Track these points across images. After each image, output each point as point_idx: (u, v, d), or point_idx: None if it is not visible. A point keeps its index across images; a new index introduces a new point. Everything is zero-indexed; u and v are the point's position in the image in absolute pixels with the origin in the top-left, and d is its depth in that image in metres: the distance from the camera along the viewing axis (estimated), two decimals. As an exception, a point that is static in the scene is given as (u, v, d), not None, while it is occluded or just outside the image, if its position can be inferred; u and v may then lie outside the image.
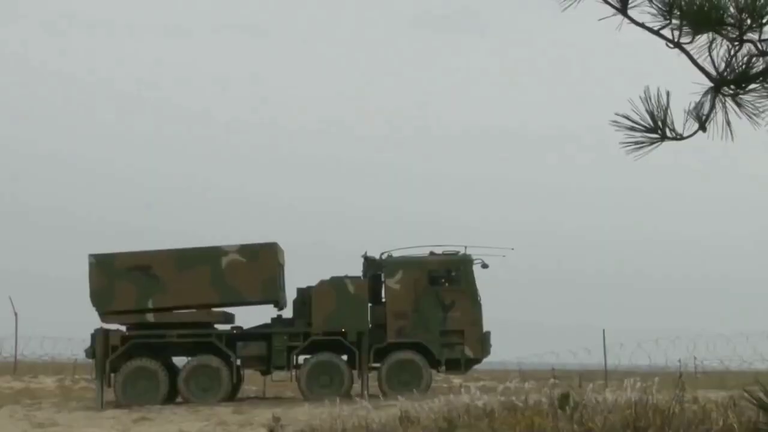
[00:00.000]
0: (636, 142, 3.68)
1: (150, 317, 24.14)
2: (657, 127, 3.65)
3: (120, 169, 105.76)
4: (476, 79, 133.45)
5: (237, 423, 19.04)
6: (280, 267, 24.52)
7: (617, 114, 3.65)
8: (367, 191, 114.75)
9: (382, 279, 24.65)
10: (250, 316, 25.66)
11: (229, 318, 25.16)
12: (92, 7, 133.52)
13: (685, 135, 3.71)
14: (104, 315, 23.94)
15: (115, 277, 23.81)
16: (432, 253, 24.72)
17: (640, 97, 3.64)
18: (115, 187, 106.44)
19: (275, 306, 24.86)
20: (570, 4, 3.57)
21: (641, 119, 3.65)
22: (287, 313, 24.66)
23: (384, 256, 24.79)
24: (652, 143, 3.68)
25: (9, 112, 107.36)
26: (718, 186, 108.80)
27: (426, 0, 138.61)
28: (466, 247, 24.61)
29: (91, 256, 24.03)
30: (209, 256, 24.04)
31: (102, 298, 23.81)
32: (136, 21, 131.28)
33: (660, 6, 3.57)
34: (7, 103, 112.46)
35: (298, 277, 26.21)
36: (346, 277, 24.50)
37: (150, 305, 23.85)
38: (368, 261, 24.99)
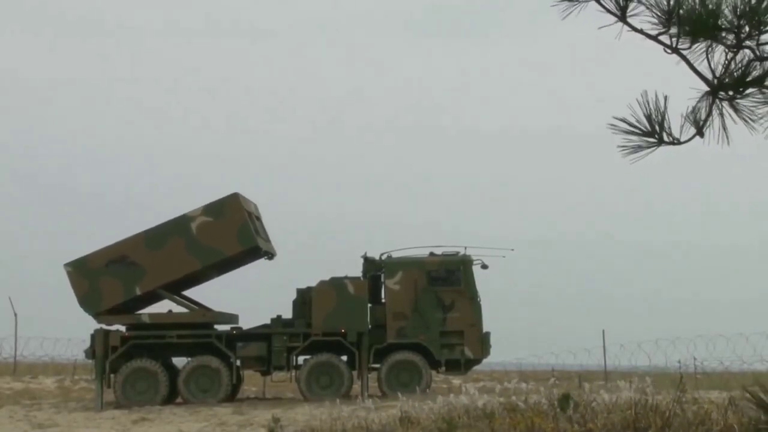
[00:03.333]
0: (633, 146, 3.68)
1: (147, 318, 24.22)
2: (654, 132, 3.65)
3: (119, 170, 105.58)
4: (477, 81, 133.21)
5: (237, 424, 19.04)
6: (251, 215, 24.45)
7: (615, 117, 3.66)
8: (367, 194, 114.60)
9: (382, 279, 24.67)
10: (251, 317, 25.72)
11: (232, 318, 25.19)
12: (91, 8, 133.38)
13: (682, 140, 3.71)
14: (98, 316, 23.94)
15: (95, 277, 23.80)
16: (432, 254, 24.74)
17: (638, 101, 3.65)
18: (113, 188, 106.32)
19: (261, 255, 24.87)
20: (569, 13, 3.58)
21: (639, 123, 3.65)
22: (287, 313, 24.68)
23: (384, 257, 24.82)
24: (649, 147, 3.68)
25: (8, 113, 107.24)
26: (718, 188, 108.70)
27: (426, 1, 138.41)
28: (465, 248, 24.67)
29: (66, 265, 24.00)
30: (177, 226, 24.00)
31: (90, 301, 23.81)
32: (135, 20, 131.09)
33: (659, 14, 3.58)
34: (6, 105, 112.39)
35: (298, 277, 26.26)
36: (346, 277, 24.52)
37: (138, 292, 23.87)
38: (368, 261, 25.01)
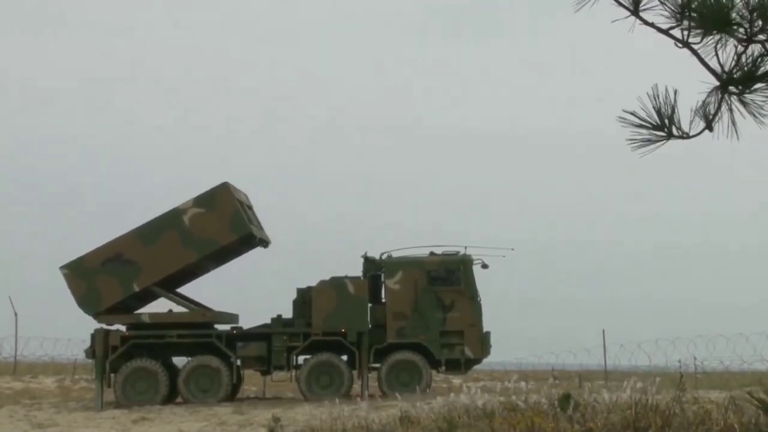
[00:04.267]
0: (643, 140, 3.67)
1: (147, 317, 24.19)
2: (663, 125, 3.64)
3: (119, 170, 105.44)
4: (477, 81, 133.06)
5: (237, 423, 19.02)
6: (242, 204, 24.45)
7: (625, 111, 3.64)
8: (367, 195, 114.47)
9: (382, 279, 24.66)
10: (251, 317, 25.70)
11: (232, 318, 25.16)
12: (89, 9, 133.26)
13: (691, 134, 3.70)
14: (98, 316, 23.91)
15: (92, 277, 23.77)
16: (432, 254, 24.73)
17: (648, 95, 3.63)
18: (113, 188, 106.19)
19: (256, 243, 24.89)
20: (583, 5, 3.57)
21: (648, 117, 3.64)
22: (287, 313, 24.67)
23: (384, 257, 24.81)
24: (659, 141, 3.67)
25: (8, 114, 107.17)
26: (718, 188, 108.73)
27: (427, 1, 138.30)
28: (466, 248, 24.67)
29: (62, 267, 23.96)
30: (170, 219, 23.96)
31: (89, 301, 23.78)
32: (135, 20, 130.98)
33: (672, 8, 3.57)
34: (6, 106, 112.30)
35: (298, 277, 26.24)
36: (346, 277, 24.51)
37: (136, 288, 23.83)
38: (368, 261, 25.00)
